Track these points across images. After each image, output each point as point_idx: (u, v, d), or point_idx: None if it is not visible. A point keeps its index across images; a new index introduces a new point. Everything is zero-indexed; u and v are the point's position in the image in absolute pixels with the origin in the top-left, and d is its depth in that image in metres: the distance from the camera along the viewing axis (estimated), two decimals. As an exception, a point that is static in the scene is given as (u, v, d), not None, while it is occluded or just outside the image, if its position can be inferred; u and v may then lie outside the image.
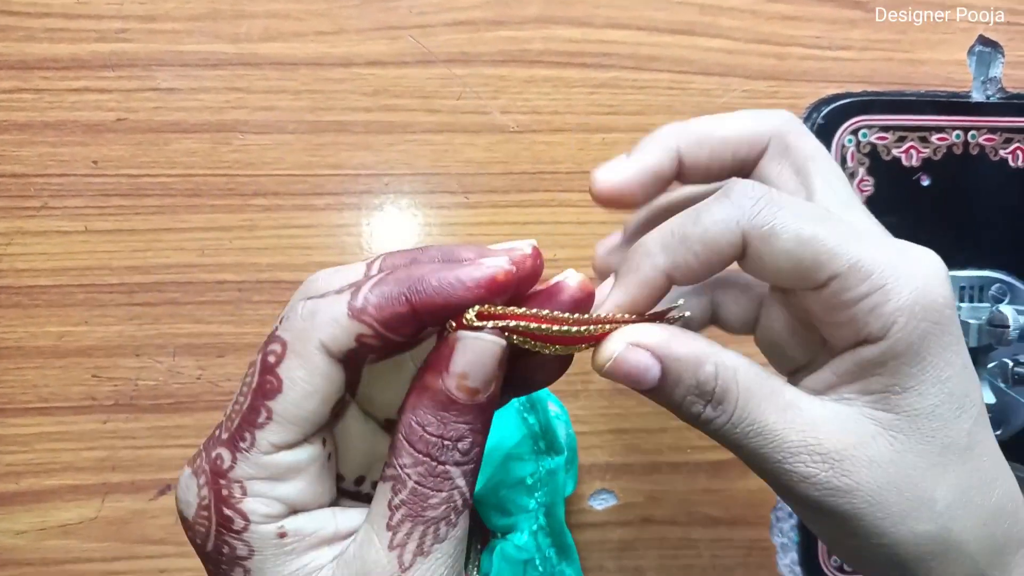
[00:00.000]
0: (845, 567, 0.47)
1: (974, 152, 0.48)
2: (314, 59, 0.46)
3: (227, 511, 0.22)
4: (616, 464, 0.47)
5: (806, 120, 0.48)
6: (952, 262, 0.41)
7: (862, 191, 0.48)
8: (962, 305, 0.45)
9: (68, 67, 0.45)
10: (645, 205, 0.31)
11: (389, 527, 0.22)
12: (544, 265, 0.23)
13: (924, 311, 0.23)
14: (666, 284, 0.25)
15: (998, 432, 0.46)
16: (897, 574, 0.24)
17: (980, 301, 0.47)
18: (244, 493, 0.22)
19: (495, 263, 0.22)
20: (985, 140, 0.48)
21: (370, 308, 0.21)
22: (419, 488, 0.22)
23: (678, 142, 0.28)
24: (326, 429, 0.23)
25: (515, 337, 0.22)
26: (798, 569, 0.47)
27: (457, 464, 0.22)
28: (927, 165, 0.48)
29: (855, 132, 0.48)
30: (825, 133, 0.48)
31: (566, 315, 0.23)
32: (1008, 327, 0.41)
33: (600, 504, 0.47)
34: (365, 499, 0.26)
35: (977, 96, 0.49)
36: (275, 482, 0.22)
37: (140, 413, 0.45)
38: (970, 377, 0.24)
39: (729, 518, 0.47)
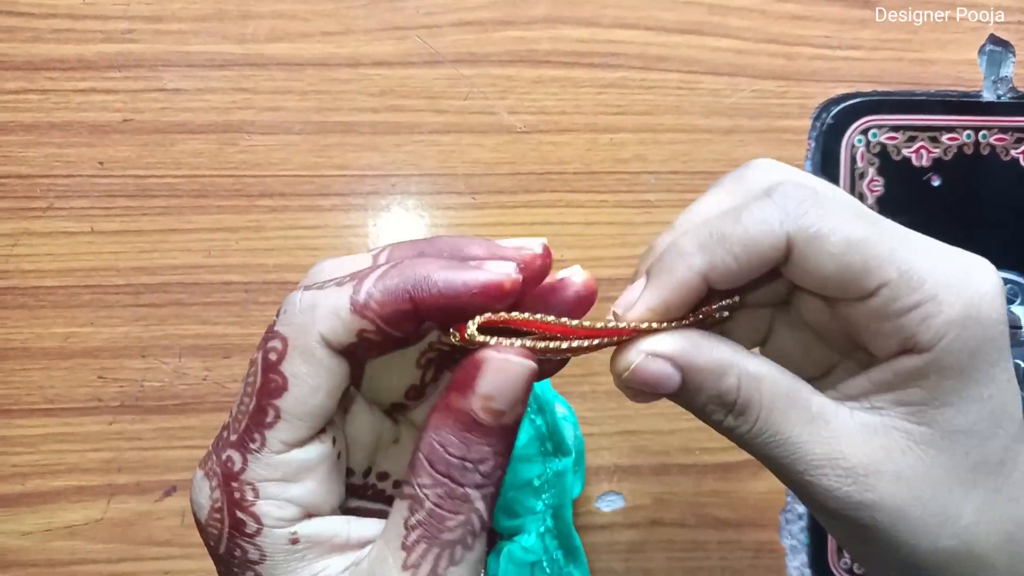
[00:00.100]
0: (855, 569, 0.47)
1: (985, 152, 0.48)
2: (321, 59, 0.46)
3: (240, 514, 0.21)
4: (624, 466, 0.47)
5: (815, 120, 0.48)
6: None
7: (872, 192, 0.48)
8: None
9: (74, 68, 0.45)
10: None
11: (404, 547, 0.21)
12: (552, 264, 0.23)
13: (976, 326, 0.22)
14: (702, 287, 0.23)
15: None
16: None
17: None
18: (256, 495, 0.21)
19: (502, 269, 0.21)
20: (996, 140, 0.48)
21: (372, 303, 0.21)
22: (437, 510, 0.21)
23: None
24: (335, 426, 0.23)
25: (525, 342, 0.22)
26: (808, 572, 0.47)
27: (477, 487, 0.21)
28: (938, 165, 0.48)
29: (865, 132, 0.47)
30: (835, 133, 0.47)
31: (574, 323, 0.22)
32: (1020, 328, 0.41)
33: (608, 506, 0.47)
34: (374, 493, 0.26)
35: (988, 96, 0.48)
36: (287, 483, 0.22)
37: (146, 414, 0.45)
38: (1013, 393, 0.23)
39: (738, 520, 0.47)
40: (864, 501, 0.22)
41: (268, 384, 0.21)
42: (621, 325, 0.23)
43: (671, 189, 0.47)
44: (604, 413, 0.47)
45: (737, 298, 0.25)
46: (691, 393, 0.23)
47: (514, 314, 0.22)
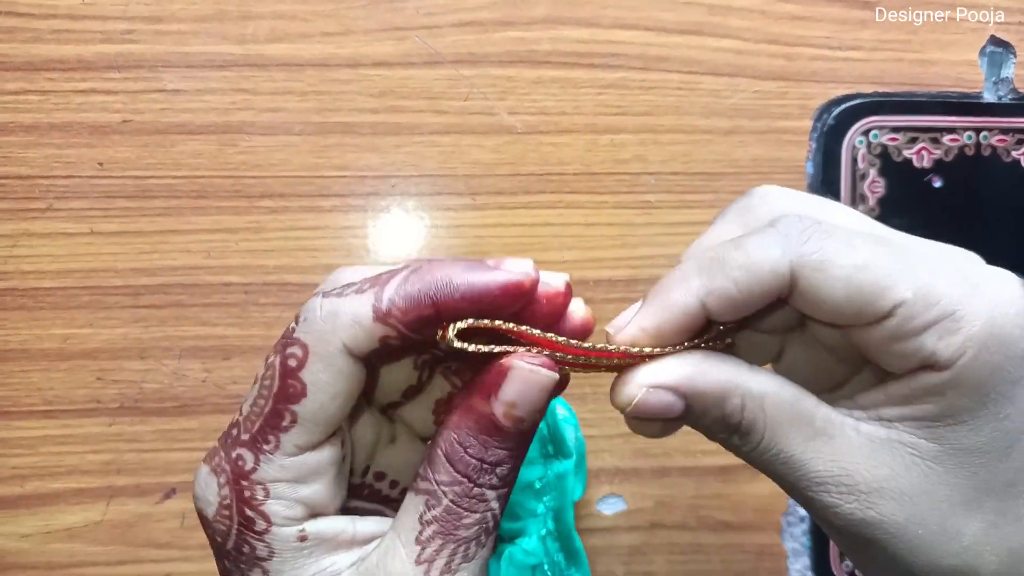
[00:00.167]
0: (857, 574, 0.47)
1: (986, 153, 0.48)
2: (320, 60, 0.46)
3: (249, 512, 0.22)
4: (625, 468, 0.47)
5: (816, 121, 0.48)
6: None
7: (873, 193, 0.47)
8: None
9: (74, 68, 0.45)
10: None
11: (419, 541, 0.22)
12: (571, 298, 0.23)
13: (998, 344, 0.21)
14: (699, 313, 0.22)
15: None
16: None
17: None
18: (267, 495, 0.22)
19: (520, 268, 0.21)
20: (997, 141, 0.48)
21: (395, 310, 0.21)
22: (454, 507, 0.22)
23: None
24: (343, 429, 0.24)
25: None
26: (810, 575, 0.47)
27: (493, 487, 0.22)
28: (939, 166, 0.48)
29: (866, 133, 0.47)
30: (835, 134, 0.47)
31: (573, 343, 0.23)
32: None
33: (609, 509, 0.47)
34: (370, 493, 0.27)
35: (989, 97, 0.48)
36: (297, 485, 0.22)
37: (145, 416, 0.45)
38: None
39: (739, 523, 0.47)
40: (867, 519, 0.22)
41: (286, 389, 0.22)
42: (611, 347, 0.23)
43: (671, 190, 0.47)
44: (605, 415, 0.46)
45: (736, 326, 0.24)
46: (696, 418, 0.23)
47: (511, 325, 0.22)
